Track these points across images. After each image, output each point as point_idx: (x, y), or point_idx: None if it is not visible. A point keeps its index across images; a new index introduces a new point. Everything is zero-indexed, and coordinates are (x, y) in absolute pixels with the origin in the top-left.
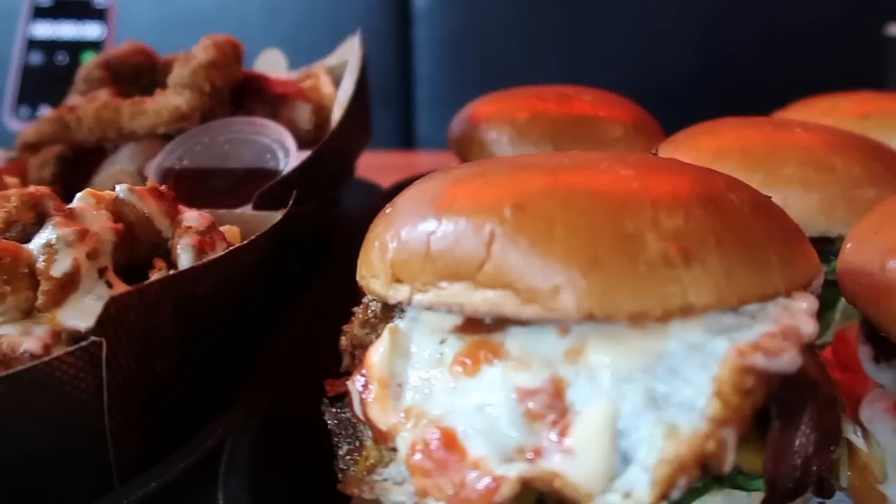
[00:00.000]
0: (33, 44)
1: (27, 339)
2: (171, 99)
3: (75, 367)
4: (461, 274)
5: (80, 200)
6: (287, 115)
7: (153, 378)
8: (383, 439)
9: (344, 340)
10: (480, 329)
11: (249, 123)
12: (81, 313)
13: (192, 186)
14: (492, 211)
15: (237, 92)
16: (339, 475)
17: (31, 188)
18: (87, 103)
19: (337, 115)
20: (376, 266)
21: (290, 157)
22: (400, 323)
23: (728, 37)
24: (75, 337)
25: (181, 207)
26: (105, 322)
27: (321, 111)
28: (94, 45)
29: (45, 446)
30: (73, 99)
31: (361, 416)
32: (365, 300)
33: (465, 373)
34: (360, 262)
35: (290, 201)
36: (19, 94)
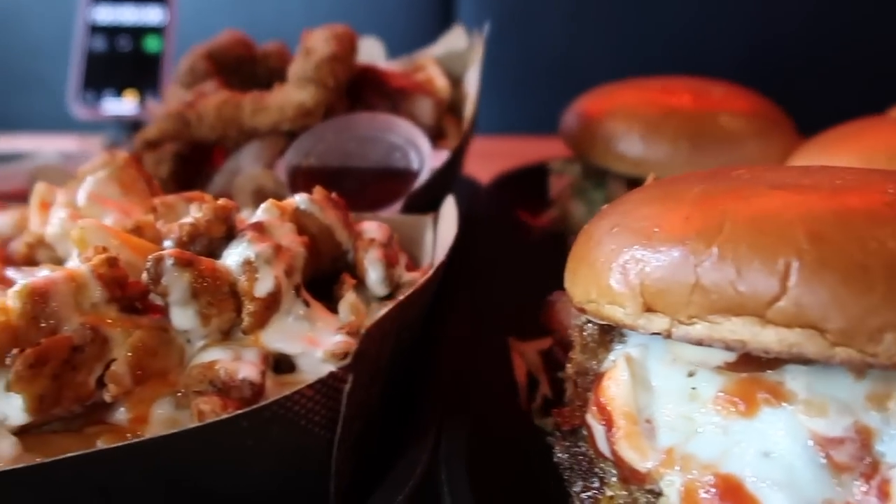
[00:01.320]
0: (95, 29)
1: (244, 366)
2: (295, 94)
3: (312, 400)
4: (745, 309)
5: (265, 213)
6: (408, 110)
7: (370, 408)
8: (638, 480)
9: (570, 368)
10: (753, 366)
11: (376, 120)
12: (284, 335)
13: (322, 188)
14: (783, 240)
15: (353, 85)
16: None
17: (221, 200)
18: (205, 99)
19: (469, 111)
20: (618, 292)
21: (423, 157)
22: (631, 351)
23: (778, 13)
24: (276, 360)
25: (350, 215)
26: (359, 356)
27: (440, 106)
28: (157, 30)
29: (274, 482)
30: (176, 91)
31: (606, 454)
32: (578, 322)
33: (738, 413)
34: (580, 282)
35: (445, 204)
36: (84, 81)
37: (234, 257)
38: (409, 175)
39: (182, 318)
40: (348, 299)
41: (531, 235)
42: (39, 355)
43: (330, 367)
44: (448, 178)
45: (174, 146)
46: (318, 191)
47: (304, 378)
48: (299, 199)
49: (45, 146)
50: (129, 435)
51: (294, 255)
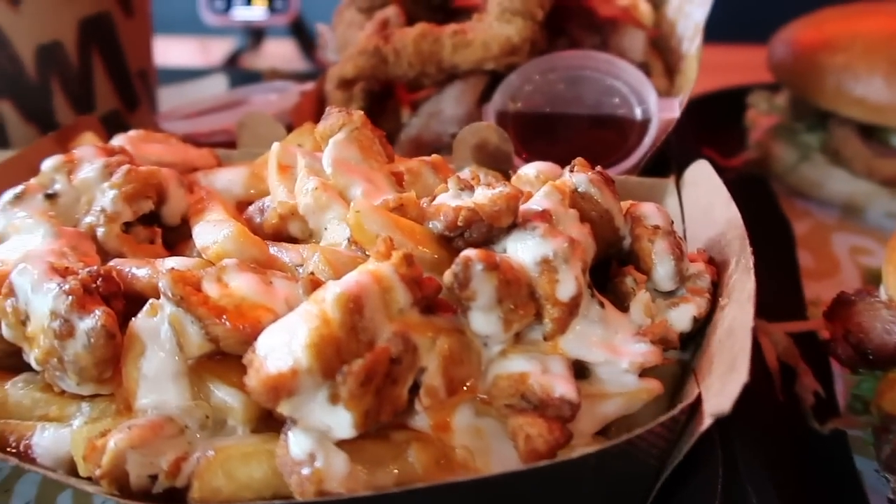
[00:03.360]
0: None
1: (557, 381)
2: (501, 28)
3: (657, 435)
4: None
5: (548, 198)
6: (617, 45)
7: None
8: None
9: None
10: None
11: (588, 58)
12: (584, 341)
13: (529, 135)
14: None
15: (552, 15)
16: None
17: (507, 187)
18: (401, 33)
19: (693, 48)
20: None
21: (648, 104)
22: None
23: None
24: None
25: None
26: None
27: (650, 39)
28: None
29: None
30: (349, 15)
31: None
32: None
33: None
34: None
35: (694, 168)
36: None
37: (526, 254)
38: (629, 124)
39: (484, 323)
40: (642, 299)
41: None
42: (369, 371)
43: (632, 378)
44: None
45: (365, 84)
46: (581, 163)
47: (603, 389)
48: (577, 180)
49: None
50: (436, 443)
51: (585, 250)
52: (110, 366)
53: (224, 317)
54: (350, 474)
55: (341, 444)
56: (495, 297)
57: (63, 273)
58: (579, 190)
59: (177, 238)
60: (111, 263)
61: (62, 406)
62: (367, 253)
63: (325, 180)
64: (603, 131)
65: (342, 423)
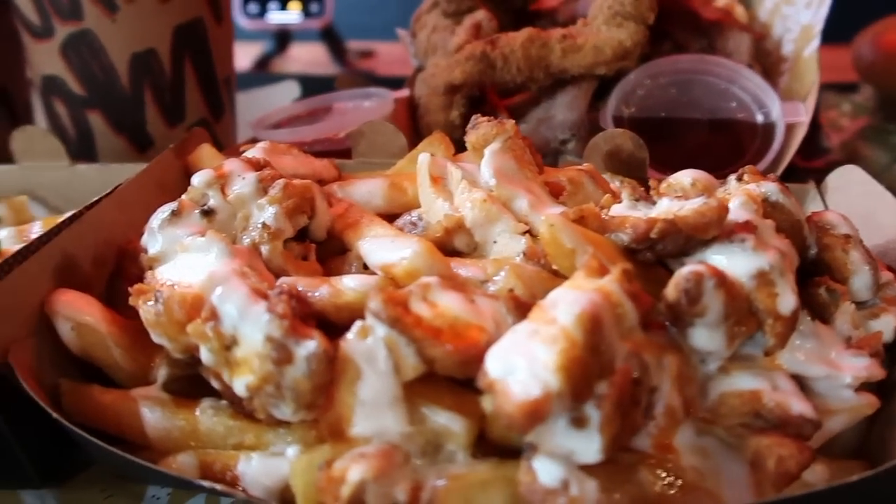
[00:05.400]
0: None
1: (793, 399)
2: (612, 32)
3: None
4: None
5: (743, 208)
6: (723, 48)
7: None
8: None
9: None
10: None
11: (701, 62)
12: (803, 356)
13: (646, 140)
14: None
15: (656, 19)
16: None
17: (711, 198)
18: (508, 38)
19: (807, 49)
20: None
21: (771, 111)
22: None
23: None
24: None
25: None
26: None
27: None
28: None
29: None
30: (433, 19)
31: None
32: None
33: None
34: None
35: (843, 172)
36: None
37: (738, 267)
38: (749, 129)
39: (708, 339)
40: (846, 311)
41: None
42: (621, 393)
43: (849, 393)
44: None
45: (467, 89)
46: (752, 171)
47: (826, 405)
48: (768, 189)
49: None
50: (665, 464)
51: (792, 262)
52: (324, 391)
53: (442, 338)
54: (601, 501)
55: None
56: (723, 313)
57: (264, 295)
58: (770, 199)
59: (325, 253)
60: (279, 282)
61: (258, 434)
62: (553, 268)
63: (490, 193)
64: (721, 136)
65: (589, 447)
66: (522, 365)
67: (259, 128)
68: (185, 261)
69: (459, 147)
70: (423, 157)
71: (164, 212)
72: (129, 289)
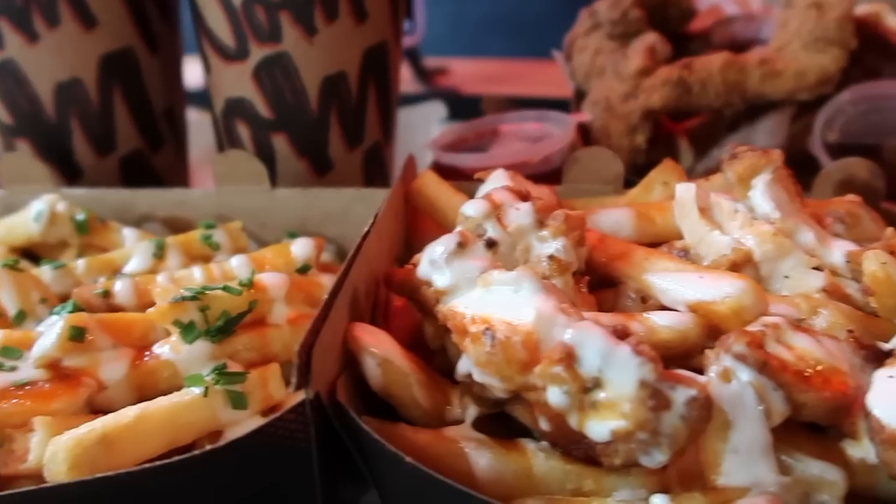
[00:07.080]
0: None
1: None
2: (813, 58)
3: None
4: None
5: None
6: None
7: None
8: None
9: None
10: None
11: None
12: None
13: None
14: None
15: None
16: None
17: None
18: (704, 62)
19: None
20: None
21: None
22: None
23: None
24: None
25: None
26: None
27: None
28: None
29: None
30: (597, 41)
31: None
32: None
33: None
34: None
35: None
36: None
37: None
38: None
39: None
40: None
41: None
42: None
43: None
44: None
45: (652, 114)
46: None
47: None
48: None
49: None
50: None
51: None
52: (698, 437)
53: (811, 382)
54: None
55: None
56: None
57: (622, 336)
58: None
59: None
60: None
61: (597, 479)
62: (871, 305)
63: (772, 225)
64: None
65: None
66: None
67: (437, 150)
68: (492, 296)
69: (642, 171)
70: (686, 189)
71: (445, 243)
72: (429, 324)
